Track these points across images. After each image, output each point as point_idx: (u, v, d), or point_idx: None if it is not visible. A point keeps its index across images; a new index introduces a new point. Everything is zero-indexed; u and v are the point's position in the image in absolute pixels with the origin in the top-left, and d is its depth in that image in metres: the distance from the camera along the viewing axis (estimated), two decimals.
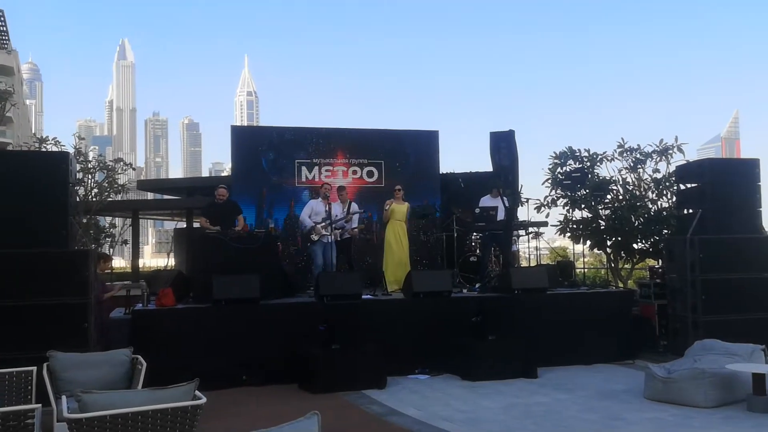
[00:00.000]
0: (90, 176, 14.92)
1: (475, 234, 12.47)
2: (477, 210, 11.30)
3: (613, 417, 6.67)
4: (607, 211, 12.80)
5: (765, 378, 6.71)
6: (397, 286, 10.35)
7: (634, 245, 12.83)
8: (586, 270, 14.77)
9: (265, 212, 12.67)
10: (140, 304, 8.82)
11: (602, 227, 12.77)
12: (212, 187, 10.69)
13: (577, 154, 13.18)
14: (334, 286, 9.12)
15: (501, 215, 11.13)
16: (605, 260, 14.95)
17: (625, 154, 13.02)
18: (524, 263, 14.16)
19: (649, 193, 12.90)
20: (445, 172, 14.11)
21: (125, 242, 19.10)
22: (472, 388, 8.16)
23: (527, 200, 11.85)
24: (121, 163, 15.97)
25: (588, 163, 13.09)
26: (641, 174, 13.02)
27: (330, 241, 10.56)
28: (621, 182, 13.04)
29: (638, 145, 12.97)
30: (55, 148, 14.61)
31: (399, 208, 11.04)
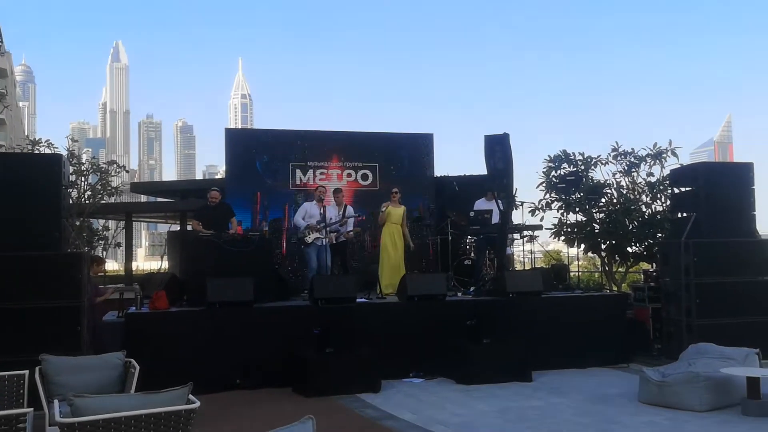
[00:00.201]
0: (83, 179, 14.84)
1: (469, 237, 12.46)
2: (472, 213, 11.30)
3: (608, 421, 6.66)
4: (602, 215, 12.82)
5: (759, 382, 6.72)
6: (392, 289, 10.33)
7: (628, 249, 12.86)
8: (580, 273, 14.78)
9: (261, 215, 12.64)
10: (133, 307, 8.78)
11: (596, 231, 12.78)
12: (206, 190, 10.66)
13: (572, 157, 13.21)
14: (328, 289, 9.10)
15: (496, 218, 11.12)
16: (599, 263, 14.98)
17: (619, 158, 13.05)
18: (519, 266, 14.16)
19: (643, 197, 12.93)
20: (439, 176, 14.11)
21: (118, 245, 19.06)
22: (466, 391, 8.14)
23: (522, 203, 11.87)
24: (115, 165, 15.89)
25: (582, 167, 13.11)
26: (635, 177, 13.05)
27: (324, 244, 10.53)
28: (615, 186, 13.06)
29: (632, 148, 13.02)
30: (48, 151, 14.53)
31: (395, 211, 11.02)
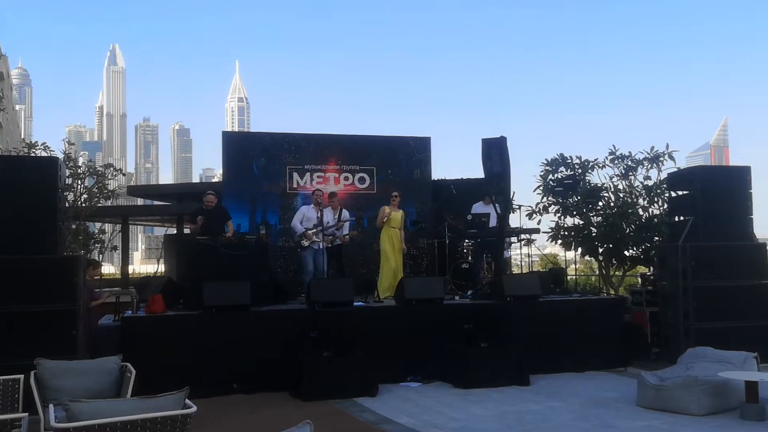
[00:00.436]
0: (79, 182, 14.82)
1: (467, 241, 12.45)
2: (469, 217, 11.28)
3: (606, 425, 6.65)
4: (599, 218, 12.84)
5: (758, 386, 6.71)
6: (390, 293, 10.30)
7: (626, 252, 12.86)
8: (577, 277, 14.78)
9: (258, 218, 12.60)
10: (130, 311, 8.73)
11: (594, 234, 12.79)
12: (203, 194, 10.63)
13: (569, 161, 13.22)
14: (325, 292, 9.07)
15: (493, 222, 11.11)
16: (596, 267, 14.99)
17: (616, 162, 13.08)
18: (516, 270, 14.16)
19: (641, 200, 12.95)
20: (437, 179, 14.10)
21: (115, 248, 19.01)
22: (464, 395, 8.12)
23: (519, 207, 11.86)
24: (111, 168, 15.89)
25: (579, 170, 13.13)
26: (633, 181, 13.07)
27: (321, 247, 10.51)
28: (612, 189, 13.08)
29: (629, 152, 13.04)
30: (44, 154, 14.49)
31: (395, 216, 11.00)
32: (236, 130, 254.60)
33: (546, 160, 13.42)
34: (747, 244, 9.88)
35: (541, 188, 13.29)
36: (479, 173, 12.36)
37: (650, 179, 12.87)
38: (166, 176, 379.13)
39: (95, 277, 10.00)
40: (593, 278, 17.54)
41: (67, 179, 12.66)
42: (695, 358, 7.72)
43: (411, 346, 8.97)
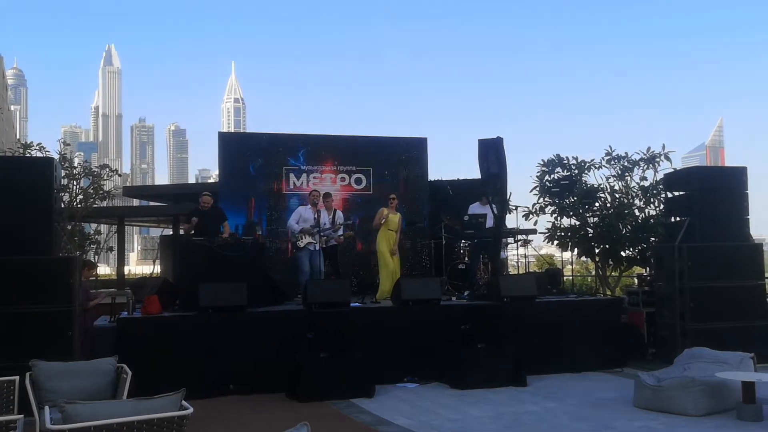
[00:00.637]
0: (75, 182, 14.77)
1: (463, 241, 12.46)
2: (466, 217, 11.28)
3: (603, 426, 6.64)
4: (595, 219, 12.86)
5: (754, 386, 6.71)
6: (387, 296, 10.29)
7: (622, 253, 12.89)
8: (573, 278, 14.80)
9: (255, 218, 12.58)
10: (125, 312, 8.72)
11: (590, 235, 12.81)
12: (198, 194, 10.60)
13: (565, 161, 13.25)
14: (322, 293, 9.05)
15: (490, 223, 11.11)
16: (592, 268, 15.01)
17: (612, 162, 13.10)
18: (513, 271, 14.16)
19: (637, 201, 12.97)
20: (433, 180, 14.10)
21: (110, 249, 18.93)
22: (461, 396, 8.11)
23: (516, 208, 11.86)
24: (107, 169, 15.83)
25: (576, 171, 13.15)
26: (629, 182, 13.09)
27: (317, 248, 10.49)
28: (609, 190, 13.10)
29: (626, 153, 13.06)
30: (39, 154, 14.41)
31: (393, 218, 10.98)
32: (232, 130, 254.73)
33: (542, 160, 13.45)
34: (743, 244, 9.90)
35: (538, 189, 13.31)
36: (476, 174, 12.37)
37: (646, 180, 12.91)
38: (162, 177, 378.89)
39: (91, 278, 9.97)
40: (590, 279, 17.56)
41: (62, 180, 12.62)
42: (692, 359, 7.72)
43: (408, 347, 8.96)
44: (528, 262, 12.99)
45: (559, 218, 13.07)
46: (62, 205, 11.98)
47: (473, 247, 11.84)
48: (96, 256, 15.84)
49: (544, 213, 13.28)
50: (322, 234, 10.48)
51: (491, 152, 10.73)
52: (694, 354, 7.82)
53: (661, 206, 12.12)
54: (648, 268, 12.34)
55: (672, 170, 11.61)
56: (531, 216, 13.28)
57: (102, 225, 23.55)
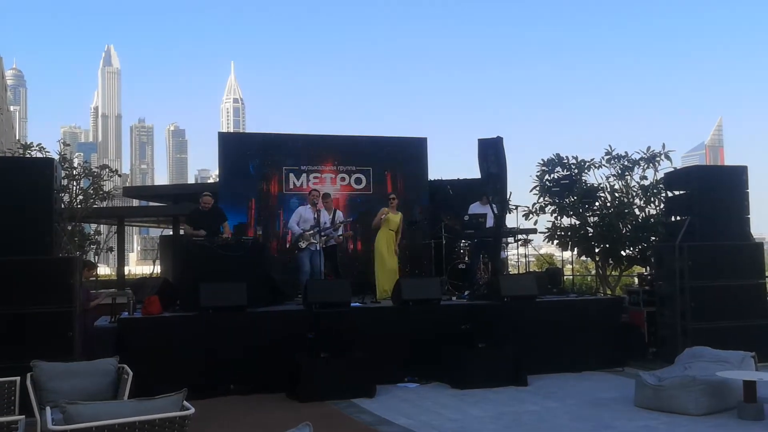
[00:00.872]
0: (75, 183, 14.76)
1: (464, 241, 12.46)
2: (466, 217, 11.28)
3: (604, 425, 6.64)
4: (595, 218, 12.86)
5: (755, 385, 6.71)
6: (388, 295, 10.29)
7: (622, 252, 12.88)
8: (574, 277, 14.80)
9: (255, 219, 12.58)
10: (126, 312, 8.71)
11: (590, 234, 12.81)
12: (198, 194, 10.59)
13: (565, 161, 13.24)
14: (322, 293, 9.05)
15: (490, 222, 11.11)
16: (592, 267, 15.01)
17: (612, 162, 13.09)
18: (513, 270, 14.15)
19: (637, 200, 12.97)
20: (433, 179, 14.09)
21: (110, 249, 18.92)
22: (461, 396, 8.11)
23: (516, 207, 11.86)
24: (107, 169, 15.82)
25: (576, 171, 13.15)
26: (629, 181, 13.09)
27: (317, 248, 10.49)
28: (609, 189, 13.10)
29: (626, 152, 13.06)
30: (39, 155, 14.40)
31: (393, 218, 10.98)
32: (232, 130, 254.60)
33: (542, 160, 13.45)
34: (744, 243, 9.90)
35: (538, 188, 13.31)
36: (476, 173, 12.39)
37: (646, 179, 12.91)
38: (162, 177, 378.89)
39: (91, 279, 9.97)
40: (590, 278, 17.56)
41: (62, 180, 12.60)
42: (693, 358, 7.71)
43: (408, 346, 8.96)
44: (528, 261, 12.99)
45: (559, 218, 13.07)
46: (62, 206, 11.96)
47: (473, 246, 11.83)
48: (96, 257, 15.83)
49: (544, 212, 13.28)
50: (322, 233, 10.48)
51: (491, 152, 10.73)
52: (695, 353, 7.81)
53: (662, 205, 12.12)
54: (648, 268, 12.33)
55: (672, 169, 11.60)
56: (531, 215, 13.28)
57: (102, 225, 23.55)
